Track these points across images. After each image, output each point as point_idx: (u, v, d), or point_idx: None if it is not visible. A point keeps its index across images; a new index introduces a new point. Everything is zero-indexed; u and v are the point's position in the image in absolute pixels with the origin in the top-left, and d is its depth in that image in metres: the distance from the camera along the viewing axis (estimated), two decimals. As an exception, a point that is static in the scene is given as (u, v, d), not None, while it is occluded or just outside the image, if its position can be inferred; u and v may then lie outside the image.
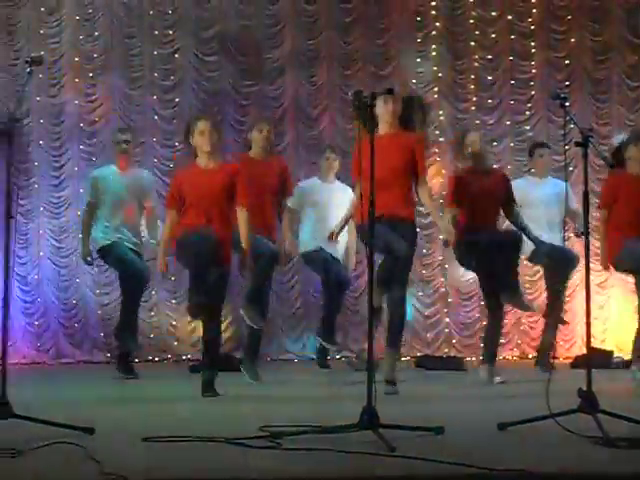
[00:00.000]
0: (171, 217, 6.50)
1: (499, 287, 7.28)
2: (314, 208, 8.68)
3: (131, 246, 8.19)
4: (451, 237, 6.83)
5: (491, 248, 7.23)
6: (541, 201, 8.47)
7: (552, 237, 8.26)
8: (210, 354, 6.33)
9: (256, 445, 3.66)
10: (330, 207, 8.47)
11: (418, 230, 7.01)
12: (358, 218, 6.37)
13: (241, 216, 6.49)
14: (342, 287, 8.72)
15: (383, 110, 6.61)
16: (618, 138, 7.75)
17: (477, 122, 11.36)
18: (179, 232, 6.33)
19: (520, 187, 8.43)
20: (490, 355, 7.41)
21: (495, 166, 9.10)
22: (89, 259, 8.27)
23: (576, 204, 8.27)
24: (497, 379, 7.22)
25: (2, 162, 4.30)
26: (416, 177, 6.66)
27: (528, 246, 7.97)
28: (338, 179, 8.86)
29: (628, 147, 7.51)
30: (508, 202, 7.60)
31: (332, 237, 7.39)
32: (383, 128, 6.66)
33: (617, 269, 7.83)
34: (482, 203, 7.38)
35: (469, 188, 7.36)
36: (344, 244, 8.59)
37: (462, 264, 7.64)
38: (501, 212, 7.66)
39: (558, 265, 8.23)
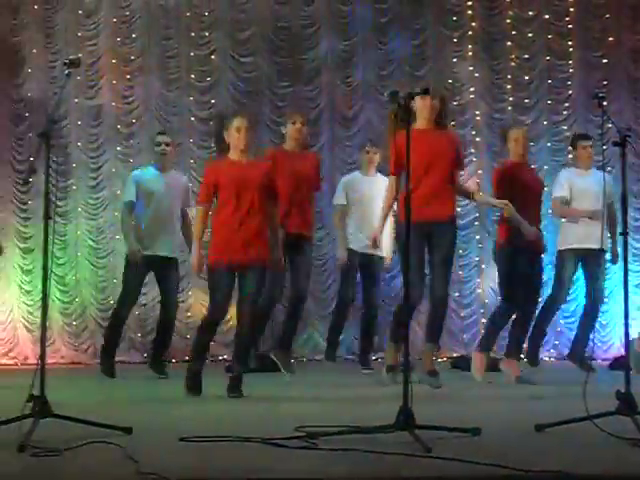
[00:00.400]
0: (204, 212, 6.40)
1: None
2: (358, 203, 8.69)
3: (165, 253, 8.22)
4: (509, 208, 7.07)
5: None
6: (586, 193, 8.40)
7: (596, 229, 8.20)
8: (238, 355, 6.35)
9: (292, 445, 3.67)
10: (373, 200, 8.41)
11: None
12: (400, 216, 6.45)
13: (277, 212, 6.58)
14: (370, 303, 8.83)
15: (421, 105, 6.66)
16: None
17: (514, 122, 11.30)
18: (216, 245, 6.29)
19: (565, 179, 8.41)
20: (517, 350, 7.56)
21: (532, 166, 9.04)
22: (139, 252, 8.22)
23: (612, 199, 8.24)
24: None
25: (41, 164, 4.34)
26: (456, 173, 6.82)
27: None
28: (379, 172, 8.83)
29: None
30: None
31: (375, 243, 7.34)
32: (421, 124, 6.72)
33: None
34: (526, 198, 7.36)
35: (514, 182, 7.34)
36: (388, 237, 8.50)
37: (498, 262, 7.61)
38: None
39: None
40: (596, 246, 7.82)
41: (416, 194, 4.25)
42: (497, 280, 7.72)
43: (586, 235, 8.25)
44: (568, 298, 8.72)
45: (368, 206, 8.54)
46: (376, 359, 9.74)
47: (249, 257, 6.19)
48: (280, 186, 7.01)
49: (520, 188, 7.30)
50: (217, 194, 6.33)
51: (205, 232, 6.44)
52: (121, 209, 8.65)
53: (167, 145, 8.35)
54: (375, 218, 7.88)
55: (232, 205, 6.25)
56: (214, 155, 10.61)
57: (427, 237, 6.65)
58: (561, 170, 9.05)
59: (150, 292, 10.63)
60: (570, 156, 9.73)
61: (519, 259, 7.31)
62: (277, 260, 6.50)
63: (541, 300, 8.20)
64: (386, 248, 8.68)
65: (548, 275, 8.73)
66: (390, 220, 7.93)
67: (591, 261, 8.34)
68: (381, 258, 8.68)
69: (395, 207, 7.06)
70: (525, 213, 7.29)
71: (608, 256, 8.52)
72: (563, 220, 8.78)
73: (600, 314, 8.94)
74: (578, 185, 8.44)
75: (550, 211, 9.01)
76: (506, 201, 7.10)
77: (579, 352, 8.51)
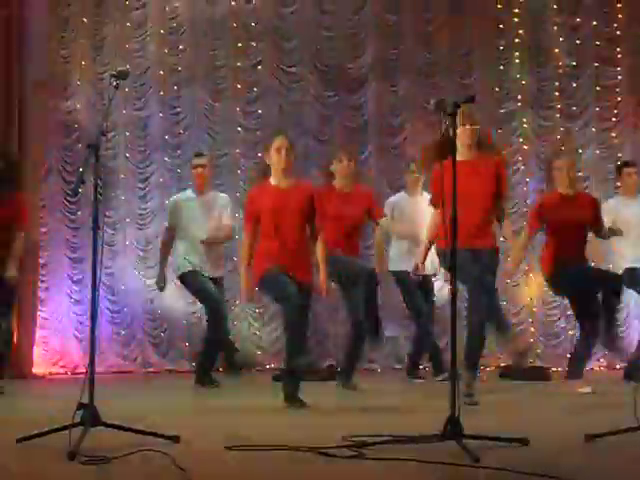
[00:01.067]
0: (249, 236, 6.37)
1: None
2: (403, 223, 8.66)
3: (209, 274, 8.29)
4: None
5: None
6: (632, 221, 8.34)
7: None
8: (289, 365, 6.26)
9: (340, 455, 3.66)
10: (418, 221, 8.34)
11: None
12: (442, 242, 6.33)
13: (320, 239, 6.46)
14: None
15: (461, 132, 6.40)
16: None
17: (561, 129, 11.25)
18: (260, 264, 6.27)
19: (611, 208, 8.36)
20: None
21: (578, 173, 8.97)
22: (162, 285, 8.45)
23: None
24: (586, 389, 7.17)
25: (90, 174, 4.39)
26: (499, 201, 6.65)
27: None
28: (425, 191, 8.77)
29: None
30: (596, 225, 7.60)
31: (417, 269, 7.14)
32: (462, 153, 6.43)
33: None
34: (568, 231, 7.34)
35: (554, 215, 7.34)
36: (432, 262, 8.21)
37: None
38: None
39: None
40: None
41: (461, 228, 4.21)
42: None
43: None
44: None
45: (412, 227, 8.52)
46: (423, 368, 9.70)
47: (299, 276, 6.20)
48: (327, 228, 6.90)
49: (557, 219, 7.29)
50: (258, 221, 6.31)
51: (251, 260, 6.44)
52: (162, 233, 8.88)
53: (202, 167, 8.43)
54: (419, 239, 7.88)
55: (272, 232, 6.23)
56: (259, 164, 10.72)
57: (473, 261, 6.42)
58: (610, 199, 8.98)
59: (198, 302, 10.70)
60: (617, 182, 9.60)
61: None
62: (321, 284, 6.43)
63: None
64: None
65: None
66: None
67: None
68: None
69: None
70: (566, 248, 7.29)
71: None
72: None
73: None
74: (623, 214, 8.40)
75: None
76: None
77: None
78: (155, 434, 4.11)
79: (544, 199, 7.69)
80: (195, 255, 8.28)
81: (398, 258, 8.62)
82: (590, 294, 7.29)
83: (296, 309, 6.07)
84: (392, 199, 8.97)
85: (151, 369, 10.73)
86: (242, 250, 6.52)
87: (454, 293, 4.30)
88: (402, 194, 8.97)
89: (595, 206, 7.59)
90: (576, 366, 7.41)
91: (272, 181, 6.35)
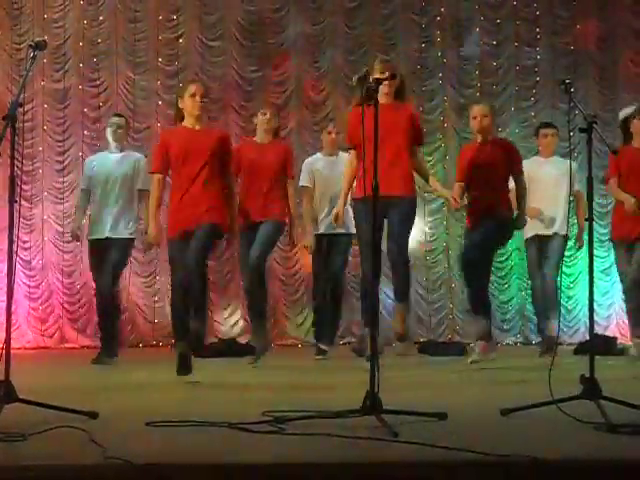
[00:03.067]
0: (158, 182, 6.38)
1: None
2: (321, 184, 8.63)
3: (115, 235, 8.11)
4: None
5: None
6: (546, 180, 8.47)
7: (557, 216, 8.37)
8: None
9: (259, 430, 3.67)
10: (336, 181, 8.19)
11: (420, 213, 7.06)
12: (358, 191, 6.47)
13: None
14: (335, 280, 8.65)
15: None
16: (625, 111, 7.72)
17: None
18: (170, 208, 6.31)
19: (526, 167, 8.47)
20: None
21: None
22: (78, 233, 8.20)
23: (577, 186, 8.35)
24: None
25: (6, 147, 4.30)
26: (416, 147, 6.85)
27: None
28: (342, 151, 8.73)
29: (633, 121, 7.47)
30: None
31: (337, 220, 7.29)
32: (381, 98, 6.34)
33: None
34: (485, 179, 7.40)
35: (471, 164, 7.44)
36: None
37: None
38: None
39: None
40: (551, 232, 8.16)
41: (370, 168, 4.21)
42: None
43: (542, 222, 8.42)
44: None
45: (329, 187, 8.48)
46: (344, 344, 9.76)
47: (198, 220, 6.15)
48: (242, 178, 7.51)
49: (476, 169, 7.31)
50: (170, 162, 6.33)
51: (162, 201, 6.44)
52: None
53: (119, 127, 8.25)
54: (336, 199, 7.77)
55: (183, 172, 6.24)
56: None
57: (384, 210, 6.57)
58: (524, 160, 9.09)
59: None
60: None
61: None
62: (234, 226, 6.51)
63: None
64: None
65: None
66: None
67: (546, 245, 8.45)
68: (347, 235, 8.52)
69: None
70: (487, 193, 7.32)
71: (571, 242, 8.63)
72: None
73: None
74: (535, 173, 8.51)
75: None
76: (448, 193, 7.17)
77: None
78: (73, 410, 4.06)
79: (462, 150, 7.79)
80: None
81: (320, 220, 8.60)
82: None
83: (177, 295, 6.19)
84: (309, 160, 8.92)
85: (69, 345, 10.61)
86: (151, 193, 6.49)
87: (374, 254, 4.31)
88: (318, 155, 8.89)
89: (510, 150, 7.61)
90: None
91: (185, 124, 6.41)
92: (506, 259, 11.49)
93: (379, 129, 4.24)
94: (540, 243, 8.51)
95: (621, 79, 11.72)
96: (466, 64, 11.64)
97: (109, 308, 8.02)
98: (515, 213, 7.38)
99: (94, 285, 8.14)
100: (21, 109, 4.30)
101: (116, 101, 11.08)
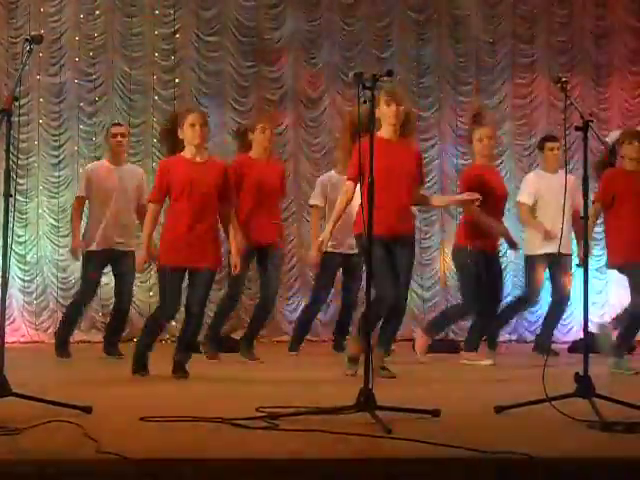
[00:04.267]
0: (154, 211, 6.32)
1: None
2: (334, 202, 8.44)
3: (120, 248, 8.07)
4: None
5: None
6: (551, 195, 8.39)
7: (567, 234, 8.29)
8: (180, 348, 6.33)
9: (253, 426, 3.67)
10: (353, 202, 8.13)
11: (417, 214, 7.03)
12: (359, 227, 6.22)
13: (234, 216, 6.64)
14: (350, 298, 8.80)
15: (387, 112, 6.33)
16: (612, 136, 7.65)
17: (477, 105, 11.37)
18: (166, 237, 6.26)
19: (531, 181, 8.44)
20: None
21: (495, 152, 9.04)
22: (79, 252, 8.10)
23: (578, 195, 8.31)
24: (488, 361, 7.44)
25: (1, 141, 4.30)
26: (419, 186, 6.61)
27: None
28: None
29: (622, 146, 7.35)
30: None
31: (322, 245, 6.61)
32: (387, 131, 6.38)
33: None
34: (493, 202, 7.45)
35: (482, 185, 7.44)
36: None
37: None
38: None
39: None
40: (561, 251, 8.12)
41: (376, 205, 4.15)
42: (459, 281, 7.85)
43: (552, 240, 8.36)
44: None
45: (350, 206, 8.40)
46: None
47: (198, 260, 6.15)
48: (243, 196, 7.43)
49: (487, 191, 7.31)
50: (170, 193, 6.24)
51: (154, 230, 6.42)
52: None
53: (122, 136, 8.16)
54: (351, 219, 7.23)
55: (184, 205, 6.17)
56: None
57: (390, 249, 6.38)
58: (529, 173, 9.06)
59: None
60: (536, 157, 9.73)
61: (479, 260, 7.42)
62: (234, 262, 6.46)
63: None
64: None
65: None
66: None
67: (556, 265, 8.39)
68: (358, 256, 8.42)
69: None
70: (492, 217, 7.39)
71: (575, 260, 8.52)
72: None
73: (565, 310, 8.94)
74: (544, 188, 8.46)
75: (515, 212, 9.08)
76: (469, 195, 6.81)
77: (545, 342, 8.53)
78: (67, 405, 4.07)
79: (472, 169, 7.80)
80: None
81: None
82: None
83: (159, 321, 6.38)
84: (322, 179, 8.81)
85: (63, 339, 10.59)
86: (146, 221, 6.40)
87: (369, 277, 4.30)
88: (332, 173, 8.76)
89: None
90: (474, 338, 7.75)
91: (186, 155, 6.28)
92: (501, 257, 11.48)
93: (387, 165, 4.27)
94: (549, 262, 8.41)
95: (617, 77, 11.73)
96: (463, 61, 11.64)
97: None
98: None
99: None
100: (17, 103, 4.29)
101: (112, 96, 11.07)
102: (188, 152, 6.27)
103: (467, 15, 11.63)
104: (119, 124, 8.62)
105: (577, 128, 4.42)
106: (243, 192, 7.63)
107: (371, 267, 4.29)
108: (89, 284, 8.11)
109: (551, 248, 8.24)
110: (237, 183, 7.43)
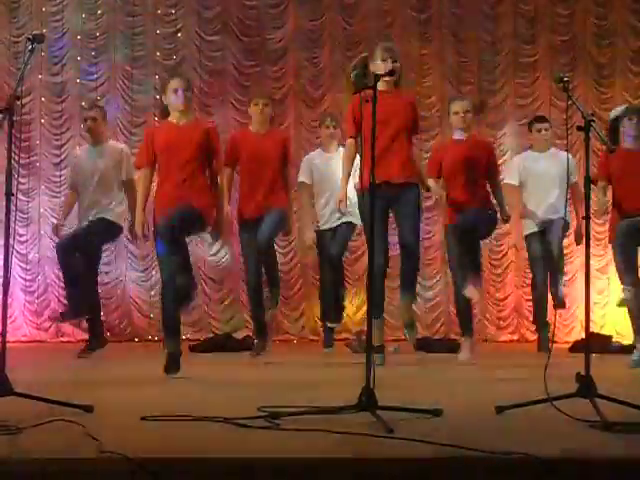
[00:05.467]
0: (144, 177, 6.40)
1: None
2: (320, 181, 8.57)
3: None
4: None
5: None
6: (544, 175, 8.46)
7: (557, 204, 8.35)
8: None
9: (255, 425, 3.67)
10: (334, 178, 8.07)
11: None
12: (359, 183, 6.51)
13: (223, 174, 6.59)
14: (332, 263, 8.56)
15: (382, 67, 6.59)
16: (615, 111, 7.64)
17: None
18: (156, 199, 6.28)
19: (518, 163, 8.53)
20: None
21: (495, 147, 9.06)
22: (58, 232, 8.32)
23: (576, 178, 8.36)
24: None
25: (3, 139, 4.30)
26: (414, 135, 6.93)
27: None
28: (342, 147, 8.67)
29: (623, 121, 7.34)
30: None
31: (341, 204, 6.95)
32: (381, 84, 6.43)
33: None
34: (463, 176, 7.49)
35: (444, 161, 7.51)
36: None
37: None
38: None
39: None
40: (554, 216, 8.24)
41: (379, 164, 4.22)
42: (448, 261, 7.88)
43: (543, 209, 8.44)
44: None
45: (329, 185, 8.42)
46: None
47: (186, 203, 6.13)
48: (241, 169, 7.57)
49: (450, 166, 7.38)
50: (156, 159, 6.32)
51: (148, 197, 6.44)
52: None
53: (93, 120, 8.19)
54: (335, 197, 7.62)
55: (169, 168, 6.22)
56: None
57: (388, 200, 6.63)
58: (516, 155, 9.15)
59: (113, 271, 10.60)
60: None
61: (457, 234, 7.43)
62: (221, 221, 6.45)
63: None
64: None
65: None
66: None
67: (550, 229, 8.43)
68: (347, 224, 8.42)
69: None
70: (466, 190, 7.37)
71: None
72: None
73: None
74: (532, 168, 8.52)
75: None
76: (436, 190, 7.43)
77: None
78: (68, 404, 4.07)
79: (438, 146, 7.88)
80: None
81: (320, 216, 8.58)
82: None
83: (172, 272, 6.05)
84: (308, 157, 8.89)
85: (65, 339, 10.61)
86: (138, 193, 6.50)
87: (371, 249, 4.29)
88: (318, 151, 8.85)
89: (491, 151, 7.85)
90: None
91: (170, 120, 6.39)
92: (502, 256, 11.50)
93: (381, 117, 4.27)
94: (541, 230, 8.48)
95: (619, 77, 11.72)
96: (464, 61, 11.64)
97: None
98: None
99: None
100: (19, 102, 4.30)
101: (114, 95, 11.07)
102: (173, 117, 6.36)
103: (468, 15, 11.62)
104: (89, 107, 8.79)
105: (579, 128, 4.41)
106: (240, 165, 7.77)
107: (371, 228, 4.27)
108: None
109: (540, 223, 8.47)
110: (234, 155, 7.71)
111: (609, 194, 7.25)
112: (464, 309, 7.66)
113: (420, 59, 11.54)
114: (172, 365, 6.04)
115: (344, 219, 8.23)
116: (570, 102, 4.52)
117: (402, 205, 6.72)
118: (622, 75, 11.71)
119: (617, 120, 7.31)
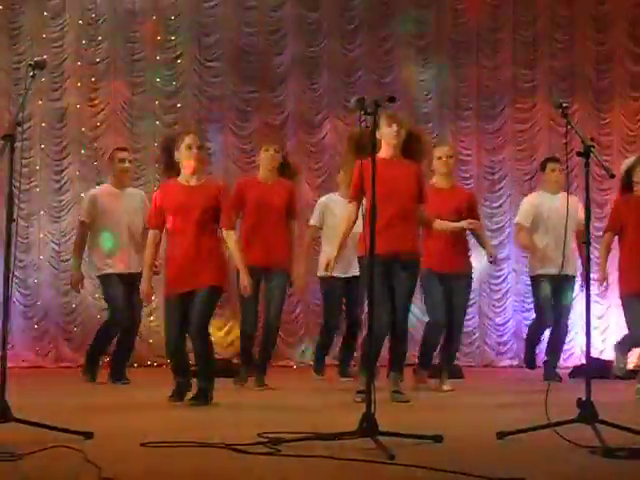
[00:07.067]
0: (153, 237, 6.26)
1: None
2: (333, 226, 8.20)
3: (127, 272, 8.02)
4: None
5: None
6: (553, 217, 8.37)
7: (568, 255, 8.19)
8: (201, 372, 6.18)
9: (255, 451, 3.66)
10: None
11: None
12: (361, 249, 6.30)
13: (229, 239, 6.28)
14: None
15: (388, 132, 6.43)
16: (628, 162, 7.60)
17: (477, 130, 11.44)
18: (166, 268, 6.20)
19: (532, 202, 8.43)
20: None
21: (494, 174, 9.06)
22: (79, 286, 8.21)
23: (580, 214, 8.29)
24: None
25: (4, 165, 4.30)
26: (420, 204, 6.61)
27: None
28: None
29: (635, 170, 7.28)
30: None
31: (328, 268, 6.75)
32: (387, 151, 6.46)
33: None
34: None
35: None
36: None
37: None
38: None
39: None
40: (567, 273, 8.09)
41: (377, 225, 4.16)
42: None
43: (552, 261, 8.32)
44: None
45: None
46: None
47: (196, 283, 6.03)
48: (245, 217, 7.40)
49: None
50: (166, 219, 6.18)
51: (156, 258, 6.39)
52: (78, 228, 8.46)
53: (127, 161, 8.18)
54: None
55: (179, 231, 6.11)
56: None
57: (390, 271, 6.44)
58: (528, 195, 9.07)
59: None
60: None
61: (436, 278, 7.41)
62: (242, 282, 6.36)
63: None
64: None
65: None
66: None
67: (558, 286, 8.35)
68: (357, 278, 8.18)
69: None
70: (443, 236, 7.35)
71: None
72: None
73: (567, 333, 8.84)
74: (544, 209, 8.44)
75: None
76: (469, 224, 7.29)
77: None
78: (68, 430, 4.06)
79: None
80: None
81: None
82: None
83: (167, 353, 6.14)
84: (322, 200, 8.78)
85: (64, 364, 10.58)
86: (146, 253, 6.34)
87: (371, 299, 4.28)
88: (332, 195, 8.74)
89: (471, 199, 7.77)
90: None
91: (180, 180, 6.22)
92: (502, 281, 11.49)
93: (386, 184, 4.27)
94: (552, 283, 8.37)
95: (618, 102, 11.76)
96: (463, 86, 11.68)
97: None
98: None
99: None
100: (20, 128, 4.31)
101: (114, 121, 11.10)
102: (183, 176, 6.21)
103: (468, 41, 11.67)
104: (124, 149, 8.60)
105: (579, 153, 4.43)
106: (245, 213, 7.63)
107: (371, 291, 4.26)
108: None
109: (552, 269, 8.23)
110: (239, 204, 7.51)
111: (614, 244, 7.25)
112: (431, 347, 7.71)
113: (418, 84, 11.58)
114: (177, 395, 6.09)
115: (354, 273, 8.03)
116: (569, 127, 4.53)
117: (401, 280, 6.47)
118: (621, 100, 11.75)
119: (629, 170, 7.26)
